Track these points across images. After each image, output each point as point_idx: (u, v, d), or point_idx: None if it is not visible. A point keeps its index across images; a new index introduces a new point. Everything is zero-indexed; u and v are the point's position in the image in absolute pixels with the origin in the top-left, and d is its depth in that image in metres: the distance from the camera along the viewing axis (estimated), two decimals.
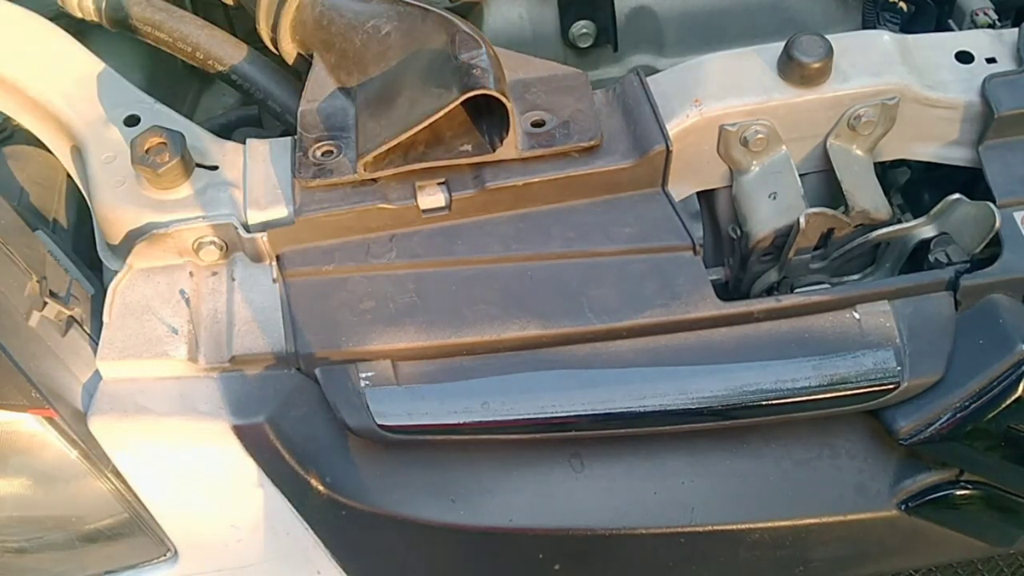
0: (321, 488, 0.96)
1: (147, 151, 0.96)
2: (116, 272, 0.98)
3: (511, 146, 0.96)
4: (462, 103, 0.91)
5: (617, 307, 0.93)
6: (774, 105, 0.99)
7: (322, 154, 0.98)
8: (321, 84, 1.03)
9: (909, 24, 1.32)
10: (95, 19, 1.13)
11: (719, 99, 0.99)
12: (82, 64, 1.07)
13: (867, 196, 1.01)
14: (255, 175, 0.99)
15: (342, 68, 1.03)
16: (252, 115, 1.25)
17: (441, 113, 0.91)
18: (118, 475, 0.97)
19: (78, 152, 1.04)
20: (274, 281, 0.96)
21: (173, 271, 0.98)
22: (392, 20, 1.01)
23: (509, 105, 0.92)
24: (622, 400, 0.92)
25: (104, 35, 1.18)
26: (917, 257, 1.04)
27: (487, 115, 0.97)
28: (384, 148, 0.93)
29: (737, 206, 1.05)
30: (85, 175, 1.02)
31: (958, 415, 0.93)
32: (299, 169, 0.97)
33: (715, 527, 1.00)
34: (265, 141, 1.03)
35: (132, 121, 1.02)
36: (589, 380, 0.92)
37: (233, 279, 0.98)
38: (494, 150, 0.96)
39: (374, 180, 0.96)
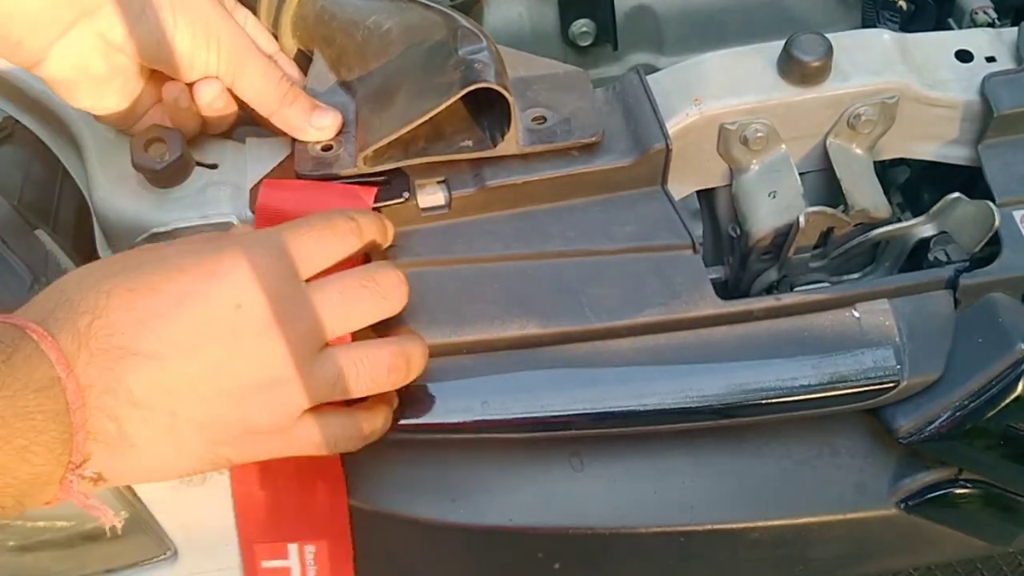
0: None
1: (147, 150, 0.96)
2: None
3: (512, 142, 0.95)
4: (463, 98, 0.90)
5: (617, 306, 0.93)
6: (774, 104, 0.99)
7: (321, 148, 0.97)
8: (321, 80, 1.03)
9: (908, 23, 1.32)
10: None
11: (719, 98, 0.99)
12: None
13: (867, 195, 1.01)
14: (255, 174, 0.99)
15: (343, 64, 1.03)
16: None
17: (442, 107, 0.90)
18: None
19: (78, 151, 1.04)
20: None
21: None
22: (393, 16, 1.01)
23: (511, 99, 0.92)
24: (622, 399, 0.92)
25: None
26: (917, 256, 1.04)
27: (488, 111, 0.96)
28: (385, 142, 0.93)
29: (737, 205, 1.05)
30: (85, 174, 1.02)
31: (957, 414, 0.93)
32: (298, 162, 0.96)
33: (715, 526, 1.00)
34: (265, 140, 1.03)
35: None
36: (589, 379, 0.92)
37: None
38: (495, 146, 0.95)
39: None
